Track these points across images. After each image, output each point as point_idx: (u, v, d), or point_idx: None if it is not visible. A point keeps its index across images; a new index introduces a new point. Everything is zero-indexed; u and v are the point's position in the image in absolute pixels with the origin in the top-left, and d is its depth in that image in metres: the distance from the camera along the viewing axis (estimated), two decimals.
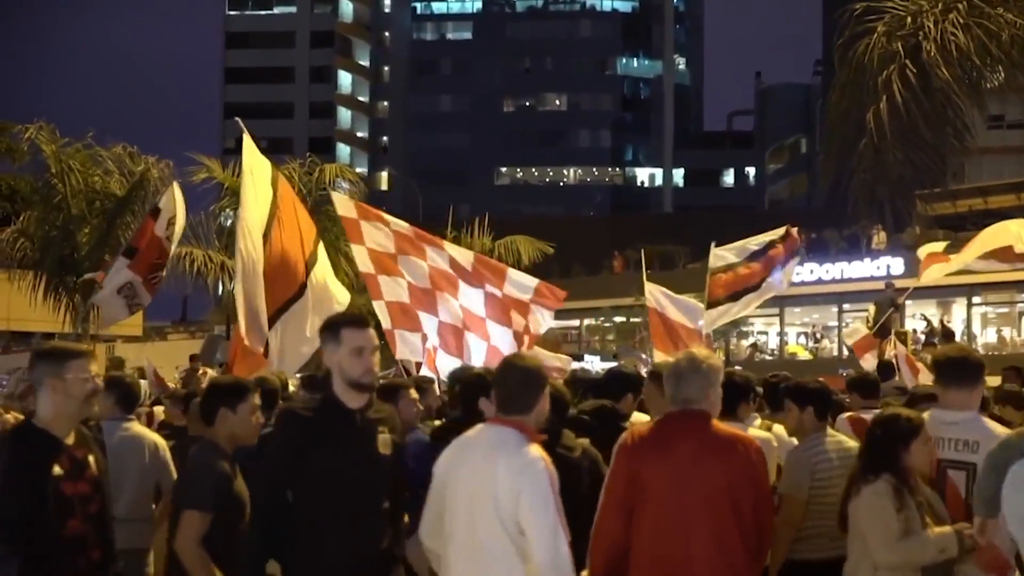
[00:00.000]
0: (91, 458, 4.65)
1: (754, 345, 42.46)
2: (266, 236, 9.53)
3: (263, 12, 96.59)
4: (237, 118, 11.14)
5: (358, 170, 59.31)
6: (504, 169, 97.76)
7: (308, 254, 9.77)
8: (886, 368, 12.73)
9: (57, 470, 4.49)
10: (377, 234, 10.38)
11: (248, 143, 10.20)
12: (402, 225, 10.75)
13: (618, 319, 42.13)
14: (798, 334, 43.83)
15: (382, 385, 6.77)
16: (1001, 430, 5.20)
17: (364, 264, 10.34)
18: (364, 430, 4.90)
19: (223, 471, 5.10)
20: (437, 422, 7.38)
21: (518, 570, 4.48)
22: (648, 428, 5.07)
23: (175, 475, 7.14)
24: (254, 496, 5.11)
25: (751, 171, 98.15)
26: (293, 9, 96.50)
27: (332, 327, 4.95)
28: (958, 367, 5.26)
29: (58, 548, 4.43)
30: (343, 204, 10.73)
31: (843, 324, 40.54)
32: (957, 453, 5.13)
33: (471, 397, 6.01)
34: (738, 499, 4.76)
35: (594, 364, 32.80)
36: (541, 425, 4.78)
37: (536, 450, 4.58)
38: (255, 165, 10.02)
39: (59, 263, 22.07)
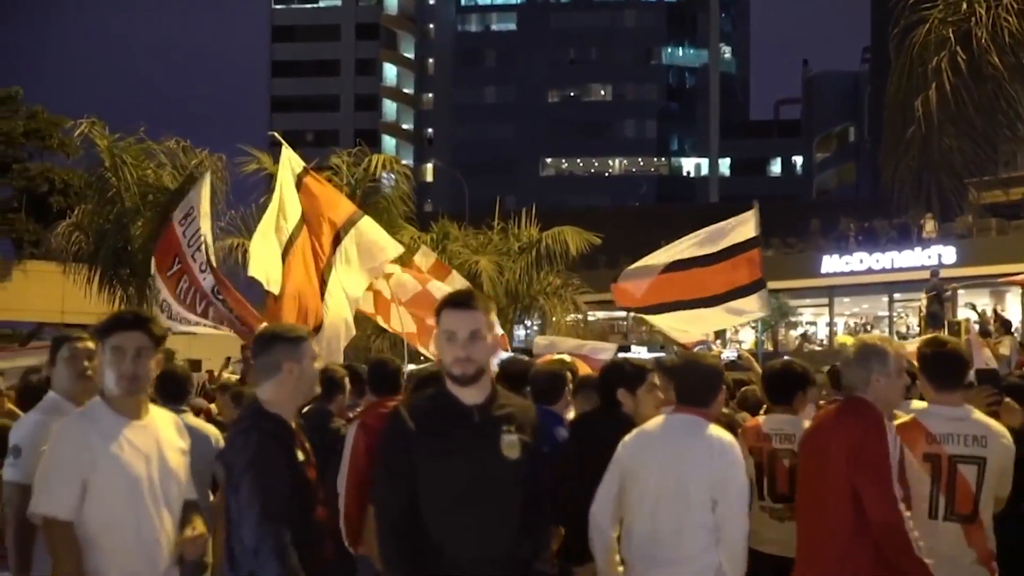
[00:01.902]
0: (307, 444, 4.59)
1: (803, 335, 42.25)
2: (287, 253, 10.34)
3: (308, 6, 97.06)
4: (283, 142, 11.35)
5: (404, 162, 59.47)
6: (549, 160, 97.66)
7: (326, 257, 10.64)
8: None
9: (300, 456, 4.45)
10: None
11: (285, 159, 10.69)
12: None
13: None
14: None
15: (507, 372, 6.64)
16: (999, 426, 5.29)
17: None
18: (483, 430, 4.15)
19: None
20: None
21: (707, 551, 4.84)
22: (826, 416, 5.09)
23: None
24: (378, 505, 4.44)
25: (798, 160, 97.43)
26: (338, 2, 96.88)
27: (437, 310, 4.28)
28: (950, 365, 5.26)
29: (311, 537, 4.38)
30: (426, 256, 12.65)
31: (893, 314, 40.28)
32: (967, 448, 5.15)
33: (610, 388, 5.91)
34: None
35: (641, 354, 32.75)
36: (718, 418, 5.16)
37: (728, 435, 4.96)
38: (285, 184, 10.74)
39: (113, 256, 22.36)
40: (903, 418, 5.65)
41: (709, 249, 11.49)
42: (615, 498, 5.07)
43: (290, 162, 11.08)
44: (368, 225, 11.03)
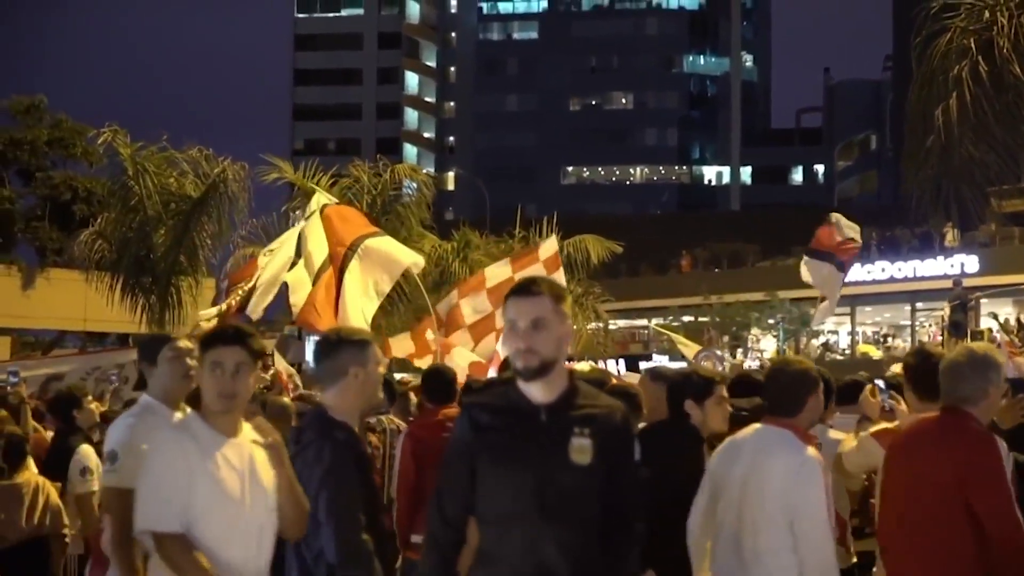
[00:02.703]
0: (368, 449, 4.59)
1: (825, 344, 42.10)
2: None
3: (331, 14, 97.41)
4: (316, 188, 11.83)
5: (425, 170, 59.62)
6: (571, 168, 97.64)
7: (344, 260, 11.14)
8: None
9: (366, 462, 4.44)
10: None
11: (315, 202, 11.64)
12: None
13: (686, 318, 41.94)
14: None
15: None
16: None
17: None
18: (551, 432, 3.77)
19: None
20: None
21: (786, 566, 4.64)
22: (920, 427, 4.93)
23: None
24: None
25: (820, 168, 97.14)
26: (360, 11, 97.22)
27: (504, 300, 3.94)
28: (935, 376, 5.09)
29: (381, 543, 4.34)
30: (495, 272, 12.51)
31: (916, 323, 40.08)
32: None
33: (678, 399, 5.75)
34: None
35: (663, 363, 32.71)
36: (812, 424, 4.93)
37: (811, 451, 4.72)
38: (314, 224, 11.48)
39: (135, 264, 22.48)
40: (878, 427, 5.69)
41: None
42: (705, 511, 4.97)
43: (318, 202, 11.77)
44: (378, 242, 11.36)
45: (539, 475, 3.74)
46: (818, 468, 4.67)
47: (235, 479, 4.19)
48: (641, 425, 6.71)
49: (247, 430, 4.34)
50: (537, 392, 3.82)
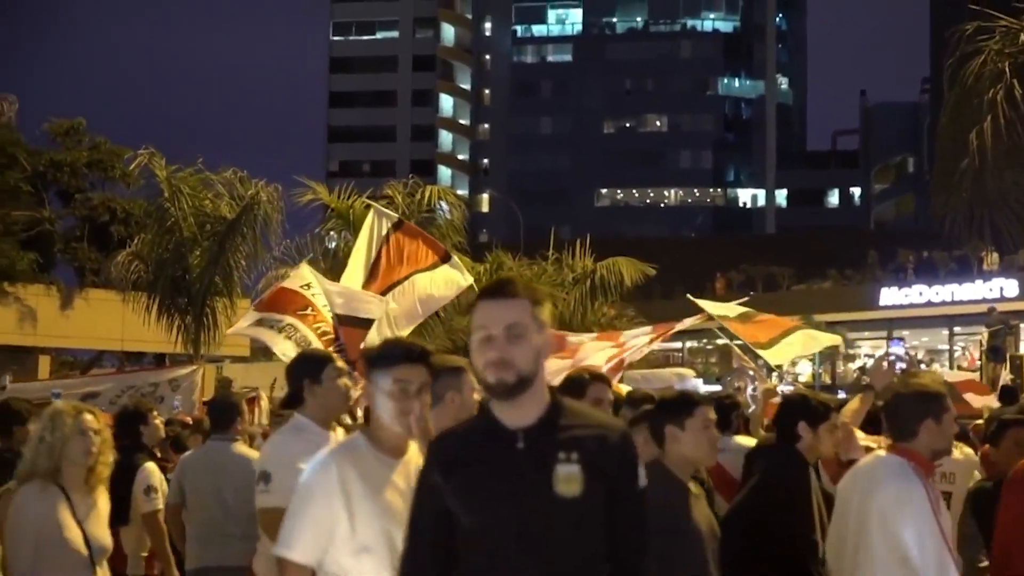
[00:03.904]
0: None
1: (861, 368, 41.76)
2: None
3: (366, 37, 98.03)
4: (373, 204, 12.03)
5: (459, 192, 59.84)
6: (605, 190, 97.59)
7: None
8: (1009, 393, 12.37)
9: None
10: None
11: (371, 220, 11.92)
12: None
13: (720, 341, 41.71)
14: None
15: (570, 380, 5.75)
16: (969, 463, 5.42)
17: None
18: (530, 460, 3.19)
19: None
20: None
21: None
22: None
23: None
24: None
25: (856, 191, 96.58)
26: (395, 34, 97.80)
27: (472, 305, 3.38)
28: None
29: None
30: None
31: (954, 347, 39.72)
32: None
33: (790, 420, 5.52)
34: None
35: (697, 387, 32.55)
36: (939, 448, 4.71)
37: (915, 480, 4.56)
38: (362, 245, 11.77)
39: (171, 284, 22.65)
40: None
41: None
42: (841, 539, 4.83)
43: (375, 222, 11.77)
44: (427, 278, 11.48)
45: (520, 513, 3.14)
46: (921, 495, 4.51)
47: (398, 501, 3.89)
48: (751, 443, 6.65)
49: (413, 450, 4.07)
50: (513, 414, 3.22)
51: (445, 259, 11.56)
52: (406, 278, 11.33)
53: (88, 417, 5.45)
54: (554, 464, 3.17)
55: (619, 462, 3.24)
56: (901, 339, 20.82)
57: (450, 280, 11.70)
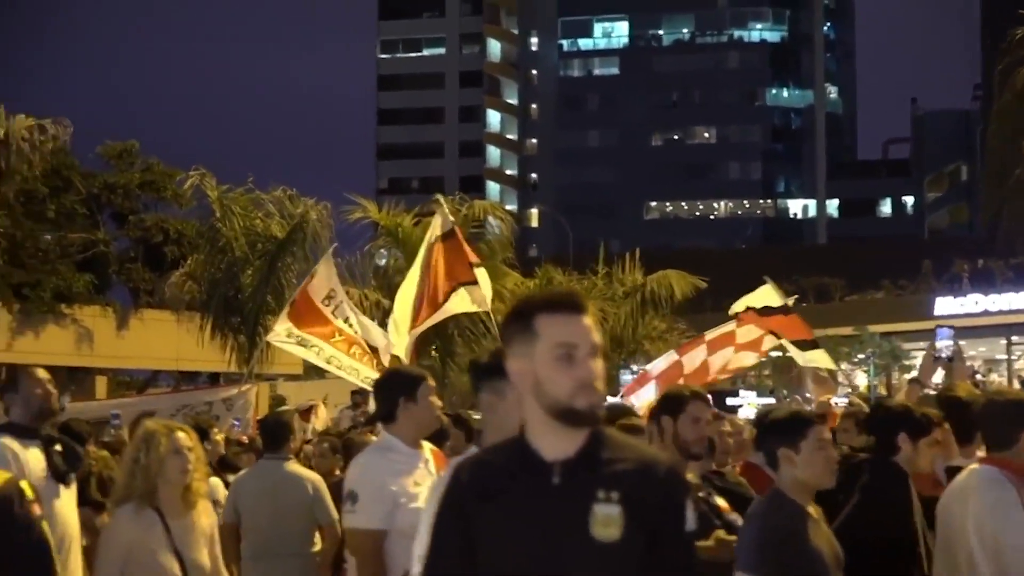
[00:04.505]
0: None
1: (915, 379, 41.26)
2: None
3: (413, 55, 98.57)
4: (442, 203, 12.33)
5: (508, 207, 59.90)
6: (653, 203, 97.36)
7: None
8: None
9: None
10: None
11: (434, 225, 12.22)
12: None
13: (774, 354, 41.35)
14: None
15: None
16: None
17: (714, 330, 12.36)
18: (565, 497, 2.87)
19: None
20: None
21: None
22: None
23: (333, 511, 7.27)
24: None
25: (909, 200, 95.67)
26: (442, 51, 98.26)
27: (521, 315, 2.97)
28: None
29: None
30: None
31: (1012, 357, 39.17)
32: None
33: (891, 431, 5.34)
34: None
35: (750, 399, 32.33)
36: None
37: (1011, 489, 4.47)
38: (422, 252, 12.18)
39: (224, 304, 22.80)
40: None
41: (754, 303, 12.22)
42: (950, 554, 4.75)
43: (434, 224, 12.24)
44: (460, 301, 11.83)
45: (550, 558, 2.84)
46: (1015, 507, 4.42)
47: None
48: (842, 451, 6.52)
49: None
50: (552, 444, 2.90)
51: (473, 282, 11.78)
52: (446, 299, 11.70)
53: (181, 435, 5.43)
54: (592, 503, 2.85)
55: (664, 502, 2.89)
56: (948, 328, 20.39)
57: (467, 300, 11.92)
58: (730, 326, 12.09)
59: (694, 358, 11.98)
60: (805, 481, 4.44)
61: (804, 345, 11.73)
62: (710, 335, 12.26)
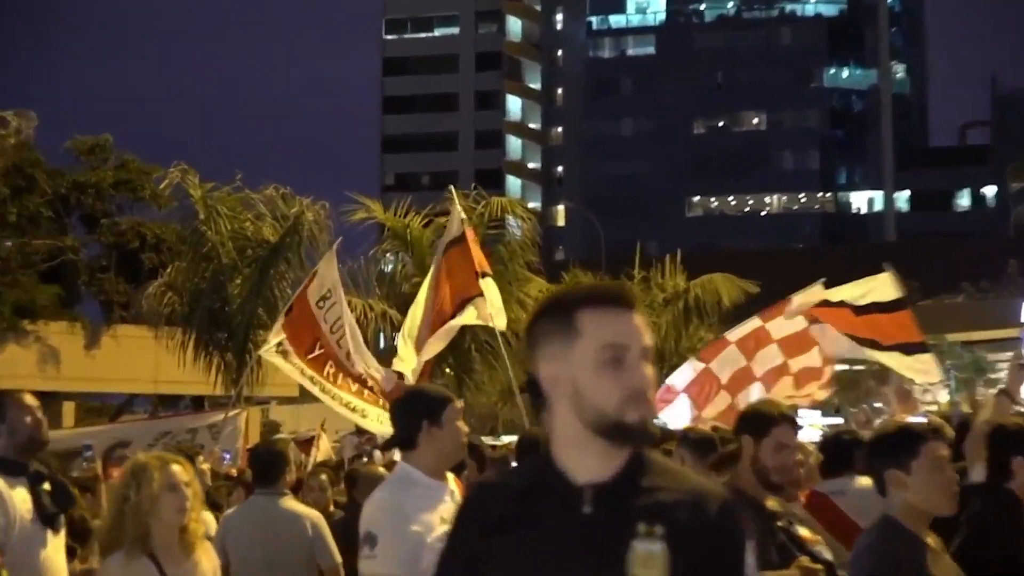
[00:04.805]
0: None
1: (1004, 392, 41.04)
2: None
3: (423, 35, 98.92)
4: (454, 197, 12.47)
5: (530, 205, 59.96)
6: (696, 199, 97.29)
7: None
8: None
9: None
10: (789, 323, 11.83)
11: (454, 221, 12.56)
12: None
13: (840, 367, 41.20)
14: None
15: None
16: None
17: (733, 333, 12.11)
18: (598, 530, 2.71)
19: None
20: None
21: None
22: None
23: (335, 553, 7.30)
24: None
25: (989, 191, 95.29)
26: (455, 30, 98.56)
27: (559, 309, 2.81)
28: None
29: None
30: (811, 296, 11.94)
31: None
32: None
33: (1003, 455, 5.35)
34: None
35: (814, 418, 32.07)
36: None
37: None
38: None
39: (209, 318, 22.81)
40: None
41: (852, 298, 11.85)
42: None
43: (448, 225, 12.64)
44: (467, 315, 12.09)
45: None
46: None
47: None
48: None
49: None
50: (584, 465, 2.74)
51: (479, 294, 11.94)
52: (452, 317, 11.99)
53: (177, 468, 5.29)
54: (630, 538, 2.67)
55: (718, 542, 2.71)
56: None
57: (473, 315, 12.09)
58: (790, 326, 11.72)
59: (730, 362, 11.75)
60: (919, 507, 4.33)
61: (911, 349, 11.44)
62: (744, 334, 11.97)
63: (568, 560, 2.69)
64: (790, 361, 11.54)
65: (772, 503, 4.96)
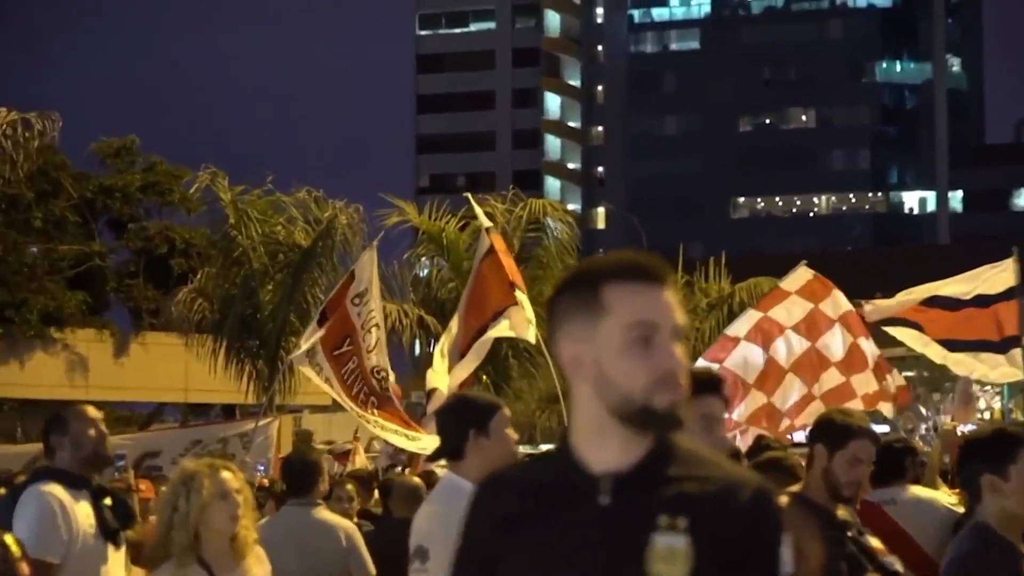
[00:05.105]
0: None
1: None
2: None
3: (458, 30, 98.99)
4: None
5: (570, 206, 59.92)
6: (742, 199, 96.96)
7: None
8: None
9: None
10: (792, 309, 11.76)
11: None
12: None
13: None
14: None
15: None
16: None
17: (737, 329, 11.74)
18: (615, 522, 2.59)
19: None
20: None
21: None
22: None
23: (370, 564, 7.32)
24: None
25: None
26: (492, 25, 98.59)
27: (583, 283, 2.67)
28: None
29: None
30: (796, 276, 12.01)
31: None
32: None
33: None
34: None
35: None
36: None
37: None
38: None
39: (240, 325, 22.95)
40: None
41: (959, 293, 11.73)
42: None
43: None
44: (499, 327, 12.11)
45: None
46: None
47: None
48: (928, 495, 6.39)
49: None
50: (602, 453, 2.63)
51: (514, 303, 12.01)
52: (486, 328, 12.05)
53: (227, 475, 5.35)
54: (650, 531, 2.55)
55: (750, 536, 2.58)
56: None
57: (505, 326, 12.13)
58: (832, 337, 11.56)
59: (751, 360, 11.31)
60: (1016, 513, 4.27)
61: (997, 346, 11.32)
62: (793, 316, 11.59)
63: (584, 555, 2.57)
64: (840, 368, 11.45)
65: (843, 512, 4.93)
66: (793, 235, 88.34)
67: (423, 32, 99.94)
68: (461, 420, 5.14)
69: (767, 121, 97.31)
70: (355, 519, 8.50)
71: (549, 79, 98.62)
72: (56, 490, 5.79)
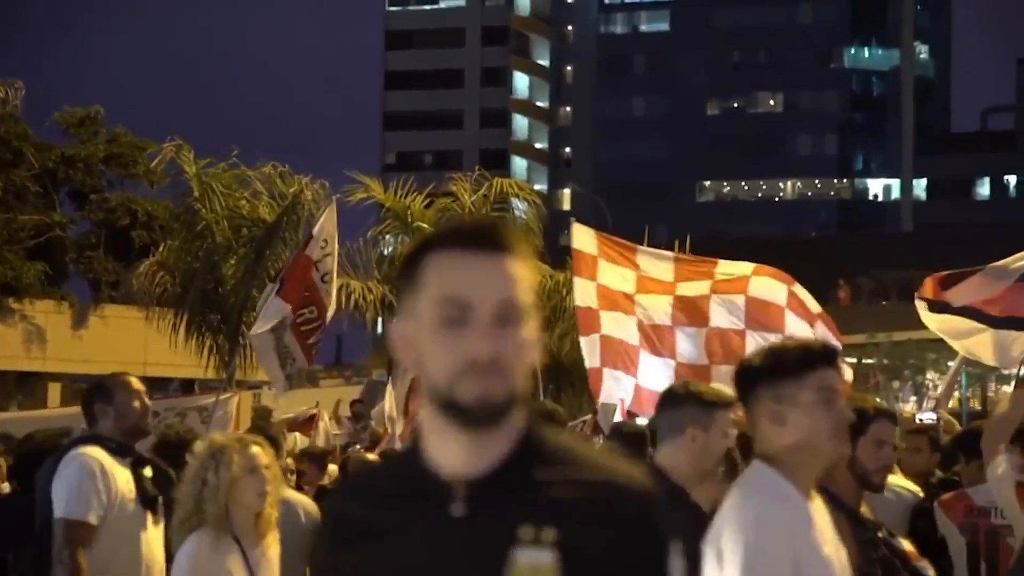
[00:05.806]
0: None
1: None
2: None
3: (427, 7, 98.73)
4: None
5: (536, 187, 59.89)
6: (708, 183, 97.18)
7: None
8: None
9: None
10: (614, 275, 10.82)
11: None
12: (657, 267, 11.20)
13: (848, 359, 41.19)
14: None
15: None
16: None
17: (584, 298, 10.72)
18: (470, 536, 2.25)
19: None
20: None
21: None
22: None
23: None
24: None
25: (1012, 179, 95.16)
26: (462, 3, 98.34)
27: (410, 252, 2.33)
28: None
29: None
30: (581, 237, 11.04)
31: None
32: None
33: None
34: None
35: None
36: None
37: None
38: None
39: (202, 299, 22.89)
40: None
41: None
42: None
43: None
44: None
45: None
46: None
47: (834, 553, 3.59)
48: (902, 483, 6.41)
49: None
50: (454, 456, 2.27)
51: None
52: None
53: (256, 450, 5.30)
54: (511, 546, 2.20)
55: (630, 547, 2.24)
56: None
57: None
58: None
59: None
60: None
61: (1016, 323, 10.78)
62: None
63: (437, 574, 2.25)
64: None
65: (865, 510, 4.72)
66: (758, 220, 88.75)
67: (393, 8, 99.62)
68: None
69: (735, 105, 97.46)
70: (310, 495, 8.51)
71: (518, 58, 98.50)
72: (98, 453, 5.89)
